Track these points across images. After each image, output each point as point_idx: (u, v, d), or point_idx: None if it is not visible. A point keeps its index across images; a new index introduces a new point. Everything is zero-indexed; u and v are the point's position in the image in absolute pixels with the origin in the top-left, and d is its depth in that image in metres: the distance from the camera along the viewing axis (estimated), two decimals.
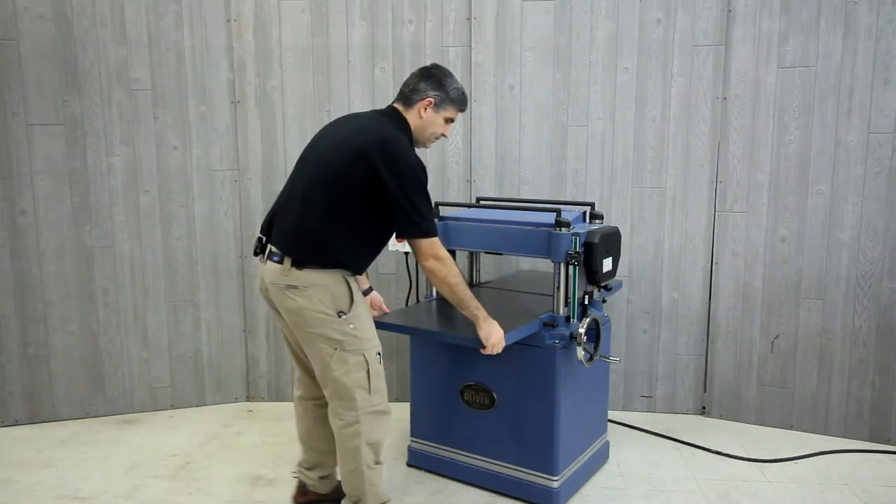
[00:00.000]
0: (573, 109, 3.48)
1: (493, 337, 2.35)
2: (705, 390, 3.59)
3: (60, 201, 3.41)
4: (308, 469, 2.65)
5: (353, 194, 2.25)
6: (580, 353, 2.62)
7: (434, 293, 2.99)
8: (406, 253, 3.05)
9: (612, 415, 3.59)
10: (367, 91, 3.54)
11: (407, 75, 3.54)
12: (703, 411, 3.61)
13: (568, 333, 2.63)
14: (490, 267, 3.58)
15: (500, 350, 2.37)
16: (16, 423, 3.48)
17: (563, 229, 2.58)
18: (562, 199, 3.51)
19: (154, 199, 3.53)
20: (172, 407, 3.68)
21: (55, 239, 3.42)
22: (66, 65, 3.34)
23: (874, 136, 3.18)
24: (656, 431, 3.41)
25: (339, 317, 2.28)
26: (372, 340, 2.37)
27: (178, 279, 3.61)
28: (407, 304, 3.20)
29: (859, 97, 3.18)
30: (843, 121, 3.21)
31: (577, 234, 2.57)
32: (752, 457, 3.16)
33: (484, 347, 2.36)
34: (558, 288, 2.65)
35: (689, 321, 3.55)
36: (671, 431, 3.41)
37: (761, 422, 3.50)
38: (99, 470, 3.03)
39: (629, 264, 3.54)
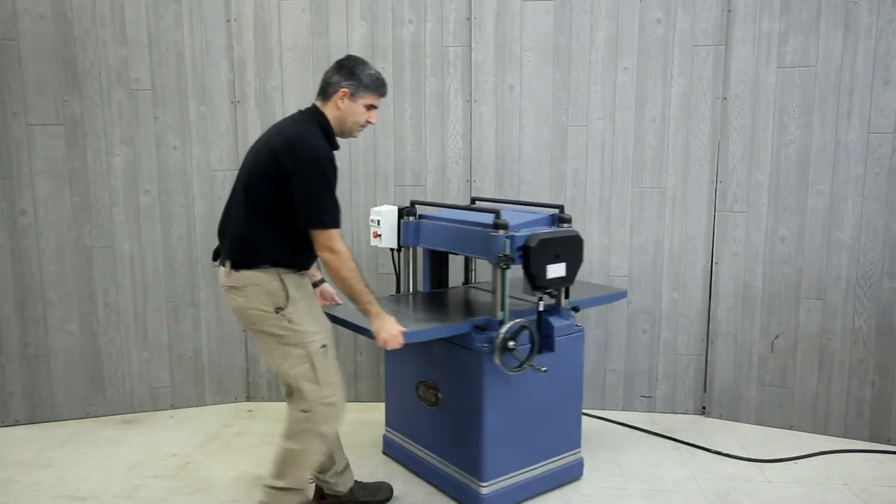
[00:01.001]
0: (573, 109, 3.48)
1: (383, 332, 2.37)
2: (705, 390, 3.59)
3: (60, 201, 3.41)
4: (320, 473, 2.66)
5: (272, 195, 2.31)
6: (496, 358, 2.52)
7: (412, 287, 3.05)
8: (392, 249, 3.06)
9: (612, 415, 3.59)
10: None
11: (407, 75, 3.58)
12: (703, 411, 3.61)
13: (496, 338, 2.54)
14: (489, 268, 3.57)
15: (394, 346, 2.38)
16: (16, 423, 3.48)
17: (501, 231, 2.52)
18: (561, 199, 3.50)
19: (154, 199, 3.53)
20: (172, 407, 3.68)
21: (55, 239, 3.42)
22: (66, 65, 3.34)
23: (874, 136, 3.18)
24: (656, 431, 3.41)
25: (277, 312, 2.32)
26: (315, 334, 2.38)
27: (178, 279, 3.61)
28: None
29: (859, 97, 3.18)
30: (843, 121, 3.21)
31: (511, 237, 2.51)
32: (752, 457, 3.16)
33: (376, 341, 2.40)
34: (494, 291, 2.58)
35: (689, 321, 3.55)
36: (671, 431, 3.41)
37: (761, 422, 3.50)
38: (99, 470, 3.03)
39: (629, 264, 3.54)
